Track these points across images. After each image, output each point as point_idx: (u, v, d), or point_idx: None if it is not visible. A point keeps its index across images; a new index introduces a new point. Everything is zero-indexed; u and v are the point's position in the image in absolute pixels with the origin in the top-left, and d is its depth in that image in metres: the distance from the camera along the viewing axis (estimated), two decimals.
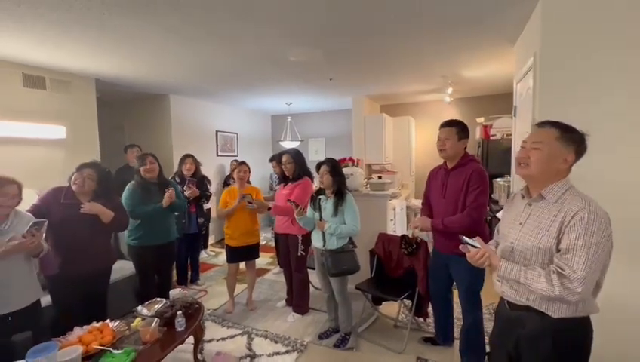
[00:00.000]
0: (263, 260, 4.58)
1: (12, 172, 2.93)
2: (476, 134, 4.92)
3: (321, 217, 2.53)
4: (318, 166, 2.57)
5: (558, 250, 1.13)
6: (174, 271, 3.57)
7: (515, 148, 2.79)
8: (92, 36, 2.47)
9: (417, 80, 4.21)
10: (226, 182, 5.24)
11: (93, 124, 3.76)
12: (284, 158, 3.02)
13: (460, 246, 1.34)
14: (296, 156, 3.03)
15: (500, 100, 5.11)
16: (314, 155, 6.70)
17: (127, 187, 2.69)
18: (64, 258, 2.09)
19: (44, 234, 1.85)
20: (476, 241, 1.31)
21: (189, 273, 3.88)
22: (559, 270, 1.09)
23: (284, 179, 3.13)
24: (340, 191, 2.50)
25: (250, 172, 3.26)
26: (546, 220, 1.16)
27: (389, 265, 2.89)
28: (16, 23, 2.19)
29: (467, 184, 2.01)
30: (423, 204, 2.47)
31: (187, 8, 2.06)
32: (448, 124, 2.11)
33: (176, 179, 3.64)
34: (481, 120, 4.79)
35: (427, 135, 5.77)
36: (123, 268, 3.00)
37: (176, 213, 2.98)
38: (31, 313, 1.88)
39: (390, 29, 2.48)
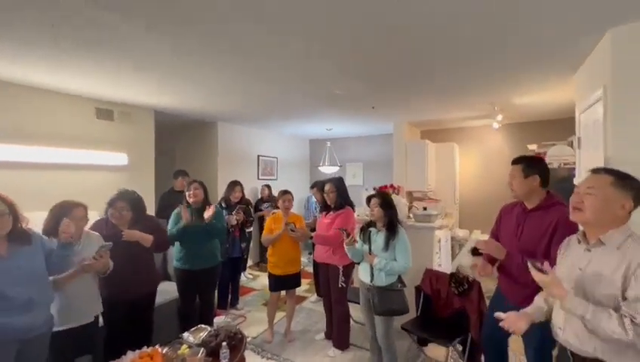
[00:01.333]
0: (301, 287, 4.53)
1: (79, 195, 3.25)
2: None
3: (370, 250, 2.47)
4: (369, 199, 2.53)
5: (624, 298, 1.09)
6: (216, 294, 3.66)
7: (580, 179, 2.56)
8: (155, 76, 2.72)
9: (463, 107, 4.09)
10: (257, 207, 5.33)
11: (150, 151, 4.06)
12: (326, 187, 3.03)
13: (529, 264, 1.28)
14: (339, 185, 3.02)
15: (554, 126, 4.80)
16: (351, 180, 6.67)
17: (174, 212, 2.84)
18: (111, 284, 2.18)
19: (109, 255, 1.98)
20: (545, 267, 1.26)
21: (229, 296, 3.92)
22: (631, 317, 1.05)
23: (325, 208, 3.12)
24: (392, 224, 2.42)
25: (293, 200, 3.30)
26: (609, 267, 1.14)
27: (437, 304, 2.72)
28: (96, 65, 2.46)
29: (552, 232, 1.73)
30: (476, 247, 2.22)
31: (240, 49, 2.19)
32: (514, 161, 1.94)
33: (222, 204, 3.77)
34: (533, 147, 4.50)
35: (472, 162, 5.54)
36: (169, 291, 3.11)
37: (220, 238, 3.06)
38: (92, 329, 2.02)
39: (440, 61, 2.45)
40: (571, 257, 1.31)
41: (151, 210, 4.04)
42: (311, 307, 3.96)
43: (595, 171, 1.26)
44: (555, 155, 4.11)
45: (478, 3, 1.59)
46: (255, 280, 4.93)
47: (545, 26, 1.86)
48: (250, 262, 5.52)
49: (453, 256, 4.57)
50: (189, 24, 1.81)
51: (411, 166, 4.99)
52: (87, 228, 2.26)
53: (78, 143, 3.30)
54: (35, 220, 1.92)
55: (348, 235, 2.43)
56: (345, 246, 2.47)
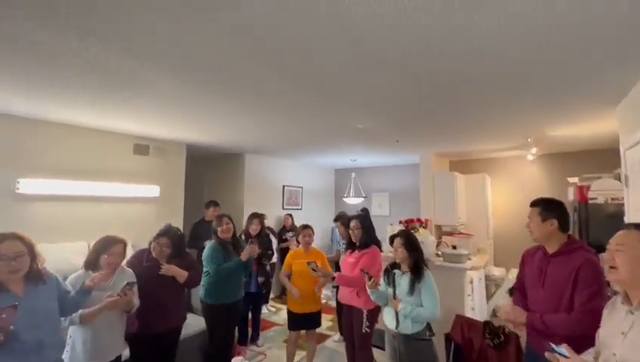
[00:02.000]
0: (323, 323, 4.35)
1: (114, 226, 3.45)
2: (569, 196, 4.29)
3: (395, 294, 2.33)
4: (392, 238, 2.43)
5: None
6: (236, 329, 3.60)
7: (629, 218, 2.32)
8: (186, 117, 2.90)
9: (494, 140, 3.94)
10: (281, 237, 5.31)
11: (181, 183, 4.24)
12: (352, 224, 2.94)
13: (546, 354, 1.19)
14: (365, 222, 2.93)
15: (598, 157, 4.47)
16: (377, 210, 6.53)
17: (208, 246, 2.86)
18: (144, 316, 2.22)
19: (135, 293, 2.02)
20: (564, 349, 1.16)
21: (250, 332, 3.85)
22: None
23: (350, 245, 3.02)
24: (417, 266, 2.30)
25: (314, 234, 3.24)
26: None
27: (470, 356, 2.48)
28: (135, 108, 2.66)
29: (575, 278, 1.65)
30: (514, 288, 2.09)
31: (264, 93, 2.29)
32: (532, 203, 1.89)
33: (242, 237, 3.79)
34: (574, 180, 4.19)
35: (506, 194, 5.24)
36: (192, 324, 3.09)
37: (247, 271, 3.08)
38: None
39: (468, 99, 2.39)
40: (615, 319, 1.22)
41: None
42: (333, 347, 3.77)
43: (626, 227, 1.23)
44: (600, 190, 3.78)
45: (510, 41, 1.54)
46: (277, 313, 4.82)
47: (580, 60, 1.76)
48: (272, 294, 5.44)
49: (489, 297, 4.23)
50: (217, 72, 1.92)
51: (439, 198, 4.80)
52: (128, 258, 2.36)
53: (115, 177, 3.52)
54: (75, 250, 2.03)
55: (370, 278, 2.32)
56: (367, 289, 2.36)
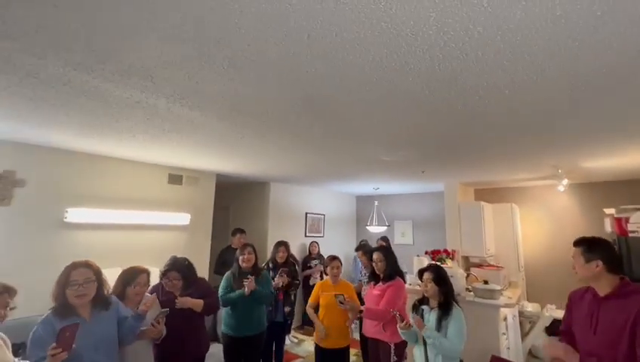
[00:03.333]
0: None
1: (147, 253, 3.59)
2: (606, 228, 4.09)
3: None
4: (421, 273, 2.40)
5: None
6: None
7: None
8: (217, 152, 3.07)
9: (521, 170, 3.88)
10: (305, 264, 5.29)
11: (210, 211, 4.39)
12: (375, 256, 2.93)
13: None
14: (388, 254, 2.91)
15: (633, 187, 4.29)
16: (400, 239, 6.43)
17: (225, 275, 2.93)
18: (163, 349, 2.24)
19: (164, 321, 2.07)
20: None
21: None
22: None
23: (374, 277, 2.99)
24: (447, 302, 2.24)
25: (342, 266, 3.23)
26: None
27: None
28: (170, 144, 2.84)
29: (633, 327, 1.51)
30: (561, 331, 1.93)
31: (288, 130, 2.41)
32: (575, 243, 1.78)
33: (270, 265, 3.83)
34: (610, 211, 4.02)
35: (536, 224, 5.05)
36: (217, 355, 3.10)
37: (266, 303, 3.06)
38: None
39: (496, 133, 2.40)
40: None
41: (205, 264, 4.25)
42: None
43: None
44: None
45: (540, 80, 1.57)
46: (300, 345, 4.72)
47: (617, 98, 1.76)
48: (294, 324, 5.35)
49: (523, 336, 3.99)
50: (257, 117, 2.07)
51: (466, 229, 4.69)
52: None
53: (150, 206, 3.70)
54: (114, 276, 2.15)
55: (402, 320, 2.27)
56: (399, 329, 2.30)
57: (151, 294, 2.36)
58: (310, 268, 5.30)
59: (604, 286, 1.67)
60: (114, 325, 1.79)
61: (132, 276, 2.10)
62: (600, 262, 1.66)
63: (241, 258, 2.93)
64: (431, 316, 2.26)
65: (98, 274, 1.79)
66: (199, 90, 1.67)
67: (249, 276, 2.81)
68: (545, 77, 1.49)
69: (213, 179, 4.43)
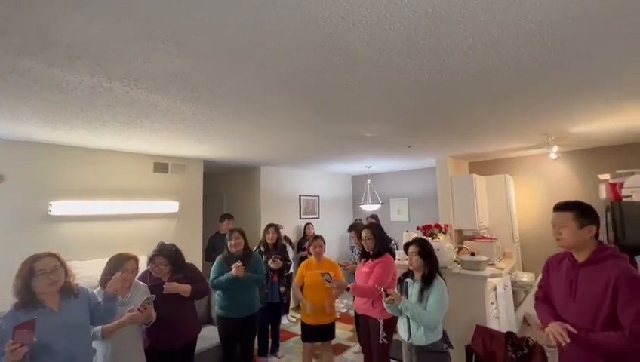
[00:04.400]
0: (343, 333, 4.32)
1: (136, 242, 3.62)
2: (601, 194, 4.03)
3: None
4: (406, 246, 2.38)
5: None
6: (256, 341, 3.64)
7: None
8: (199, 137, 3.01)
9: (511, 139, 3.78)
10: (300, 246, 5.33)
11: (199, 198, 4.38)
12: (363, 234, 2.91)
13: None
14: (377, 231, 2.89)
15: (627, 152, 4.19)
16: (396, 216, 6.42)
17: (216, 260, 2.95)
18: (154, 334, 2.29)
19: (152, 306, 2.11)
20: None
21: (270, 343, 3.87)
22: None
23: (364, 255, 2.99)
24: (430, 275, 2.24)
25: (325, 244, 3.24)
26: None
27: None
28: (151, 131, 2.79)
29: (613, 291, 1.48)
30: (537, 298, 1.89)
31: (267, 112, 2.35)
32: (562, 207, 1.68)
33: (261, 248, 3.85)
34: (605, 177, 3.93)
35: (532, 194, 4.99)
36: (212, 337, 3.16)
37: (260, 286, 3.10)
38: None
39: (479, 101, 2.30)
40: None
41: (198, 252, 4.29)
42: (353, 359, 3.71)
43: None
44: (634, 186, 3.53)
45: (522, 36, 1.47)
46: (297, 324, 4.81)
47: (600, 53, 1.64)
48: (292, 304, 5.45)
49: (517, 304, 4.01)
50: (222, 97, 2.00)
51: (458, 202, 4.64)
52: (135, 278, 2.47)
53: (136, 195, 3.70)
54: (102, 266, 2.17)
55: (387, 295, 2.27)
56: (384, 304, 2.31)
57: (140, 280, 2.39)
58: (305, 249, 5.34)
59: (586, 252, 1.62)
60: (86, 313, 1.80)
61: (119, 262, 2.11)
62: (594, 228, 1.61)
63: (229, 243, 2.95)
64: (414, 288, 2.27)
65: (63, 262, 1.78)
66: (149, 71, 1.61)
67: (239, 261, 2.84)
68: (509, 33, 1.39)
69: (201, 166, 4.40)
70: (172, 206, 3.98)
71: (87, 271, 2.65)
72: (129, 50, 1.42)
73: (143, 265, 2.47)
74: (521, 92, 2.16)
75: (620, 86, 2.12)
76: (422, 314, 2.10)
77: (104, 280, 2.08)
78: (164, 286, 2.33)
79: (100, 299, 1.91)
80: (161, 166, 3.97)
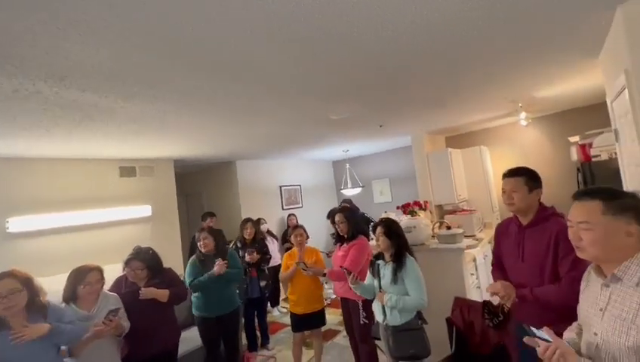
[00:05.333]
0: (334, 318, 4.33)
1: (108, 251, 3.49)
2: (572, 156, 4.07)
3: (380, 285, 2.26)
4: (374, 228, 2.35)
5: None
6: (244, 336, 3.62)
7: (626, 179, 2.16)
8: (168, 132, 2.88)
9: (481, 109, 3.75)
10: (285, 238, 5.29)
11: (173, 199, 4.26)
12: (336, 218, 2.88)
13: (525, 339, 1.10)
14: (349, 214, 2.86)
15: (595, 112, 4.20)
16: (379, 197, 6.43)
17: (189, 261, 2.87)
18: (132, 342, 2.22)
19: (122, 318, 2.05)
20: (545, 333, 1.06)
21: (259, 337, 3.85)
22: None
23: (339, 239, 2.97)
24: (399, 253, 2.22)
25: (306, 233, 3.21)
26: (629, 309, 0.95)
27: (473, 340, 2.38)
28: (106, 135, 2.65)
29: (554, 247, 1.58)
30: (493, 264, 1.99)
31: (232, 103, 2.24)
32: (512, 173, 1.76)
33: (238, 244, 3.79)
34: (574, 139, 3.97)
35: (508, 163, 4.93)
36: (194, 338, 3.11)
37: (237, 282, 3.05)
38: None
39: (437, 68, 2.23)
40: (591, 293, 1.11)
41: (177, 254, 4.19)
42: (343, 343, 3.73)
43: (579, 197, 1.06)
44: (603, 145, 3.56)
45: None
46: (288, 314, 4.81)
47: (545, 8, 1.59)
48: (283, 295, 5.44)
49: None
50: (164, 90, 1.88)
51: (436, 178, 4.65)
52: (107, 287, 2.35)
53: (104, 203, 3.56)
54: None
55: (349, 273, 2.25)
56: (350, 286, 2.29)
57: (114, 286, 2.34)
58: (289, 241, 5.30)
59: (530, 215, 1.70)
60: (53, 334, 1.71)
61: (81, 275, 2.02)
62: (541, 191, 1.71)
63: (199, 244, 2.89)
64: (386, 269, 2.25)
65: (27, 282, 1.71)
66: (72, 66, 1.48)
67: (216, 259, 2.78)
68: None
69: (171, 166, 4.26)
70: (144, 210, 3.86)
71: (50, 288, 2.54)
72: (39, 45, 1.29)
73: (117, 273, 2.39)
74: (477, 59, 2.11)
75: (571, 46, 2.09)
76: (407, 302, 2.09)
77: (67, 296, 2.00)
78: (140, 291, 2.25)
79: (71, 319, 1.84)
80: (127, 170, 3.82)
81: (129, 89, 1.80)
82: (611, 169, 3.33)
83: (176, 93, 1.98)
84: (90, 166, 3.52)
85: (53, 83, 1.60)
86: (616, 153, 3.27)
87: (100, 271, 2.11)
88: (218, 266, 2.71)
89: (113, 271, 2.42)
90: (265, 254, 3.86)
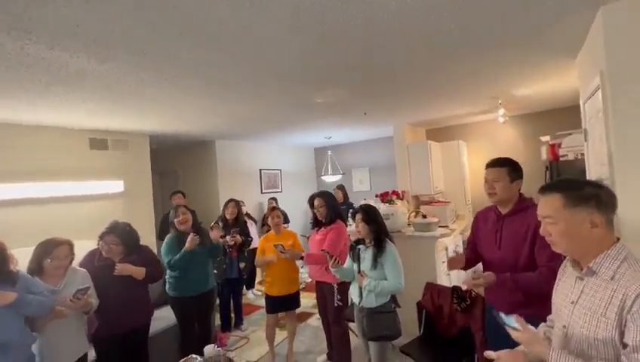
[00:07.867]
0: (308, 301, 4.39)
1: (77, 226, 3.33)
2: (542, 155, 4.28)
3: (359, 269, 2.31)
4: (354, 215, 2.38)
5: (624, 344, 0.87)
6: (218, 316, 3.60)
7: (590, 173, 2.30)
8: (145, 104, 2.73)
9: (462, 104, 3.85)
10: (264, 222, 5.27)
11: (147, 175, 4.10)
12: (316, 202, 2.89)
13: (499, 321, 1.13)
14: (328, 199, 2.88)
15: (567, 114, 4.42)
16: (358, 186, 6.50)
17: (164, 240, 2.79)
18: (103, 317, 2.17)
19: (91, 295, 1.98)
20: (514, 321, 1.08)
21: (233, 318, 3.85)
22: None
23: (317, 223, 2.98)
24: (378, 239, 2.26)
25: (282, 216, 3.19)
26: (600, 302, 0.94)
27: (441, 323, 2.50)
28: (82, 100, 2.48)
29: (532, 238, 1.63)
30: (467, 253, 2.04)
31: (216, 76, 2.16)
32: (496, 163, 1.80)
33: (219, 223, 3.72)
34: (545, 138, 4.16)
35: (483, 158, 5.14)
36: (166, 317, 3.07)
37: (217, 258, 3.01)
38: None
39: (420, 63, 2.27)
40: (566, 286, 1.10)
41: (151, 232, 4.07)
42: (317, 324, 3.81)
43: (543, 192, 1.04)
44: (570, 146, 3.77)
45: None
46: (263, 297, 4.83)
47: (529, 8, 1.64)
48: (259, 278, 5.45)
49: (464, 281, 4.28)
50: (142, 56, 1.77)
51: (415, 169, 4.76)
52: (77, 261, 2.25)
53: (73, 175, 3.37)
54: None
55: (331, 257, 2.28)
56: (331, 269, 2.33)
57: (87, 260, 2.26)
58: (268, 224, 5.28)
59: (510, 204, 1.75)
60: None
61: (47, 248, 1.93)
62: (521, 182, 1.76)
63: (176, 221, 2.79)
64: (367, 254, 2.29)
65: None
66: (39, 18, 1.35)
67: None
68: None
69: (146, 141, 4.08)
70: (116, 185, 3.70)
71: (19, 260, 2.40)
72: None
73: (85, 251, 2.28)
74: (465, 55, 2.14)
75: (552, 46, 2.17)
76: (385, 286, 2.14)
77: (31, 269, 1.91)
78: (115, 266, 2.18)
79: (40, 290, 1.78)
80: (98, 142, 3.61)
81: (105, 52, 1.69)
82: (577, 168, 3.55)
83: (156, 61, 1.88)
84: (58, 134, 3.30)
85: (17, 36, 1.45)
86: (582, 154, 3.50)
87: (69, 245, 2.02)
88: (189, 242, 2.62)
89: (82, 249, 2.30)
90: (247, 236, 3.83)
